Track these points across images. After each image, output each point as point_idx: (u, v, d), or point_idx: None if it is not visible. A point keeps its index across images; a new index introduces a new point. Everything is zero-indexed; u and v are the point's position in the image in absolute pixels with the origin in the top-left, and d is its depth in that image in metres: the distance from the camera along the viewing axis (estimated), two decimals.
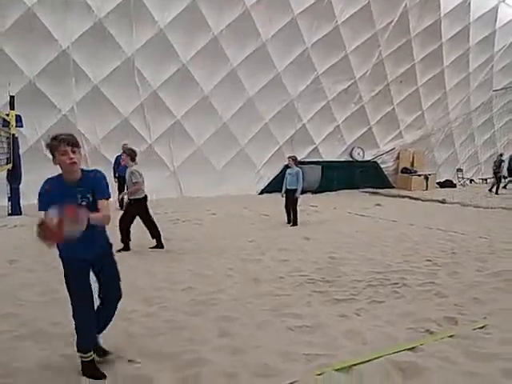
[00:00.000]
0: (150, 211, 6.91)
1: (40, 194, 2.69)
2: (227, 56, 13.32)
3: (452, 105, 19.05)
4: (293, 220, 9.01)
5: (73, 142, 2.69)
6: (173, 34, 12.32)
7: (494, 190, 16.38)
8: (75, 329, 2.91)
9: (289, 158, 9.42)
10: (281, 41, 13.84)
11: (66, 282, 2.88)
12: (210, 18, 12.63)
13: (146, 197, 6.74)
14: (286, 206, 9.16)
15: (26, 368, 2.96)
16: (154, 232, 6.84)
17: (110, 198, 2.84)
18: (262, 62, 13.87)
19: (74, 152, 2.67)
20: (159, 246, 6.84)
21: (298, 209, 9.16)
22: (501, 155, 17.47)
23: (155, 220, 6.92)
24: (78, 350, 2.92)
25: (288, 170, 9.27)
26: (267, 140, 15.06)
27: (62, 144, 2.64)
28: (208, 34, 12.80)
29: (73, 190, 2.72)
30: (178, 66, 12.75)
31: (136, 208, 6.67)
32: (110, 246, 3.07)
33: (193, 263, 5.86)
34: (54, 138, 2.67)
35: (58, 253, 2.85)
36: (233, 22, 12.91)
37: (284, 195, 9.15)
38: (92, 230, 2.61)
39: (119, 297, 3.11)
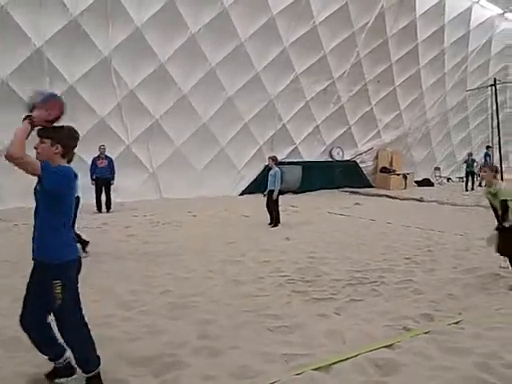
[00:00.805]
0: None
1: None
2: (205, 55, 13.25)
3: (428, 104, 19.43)
4: (274, 220, 9.01)
5: (40, 134, 2.65)
6: (150, 33, 12.17)
7: (469, 187, 16.86)
8: (81, 348, 2.72)
9: (269, 158, 9.51)
10: (259, 40, 13.84)
11: (63, 293, 2.59)
12: (187, 17, 12.54)
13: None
14: (268, 206, 9.18)
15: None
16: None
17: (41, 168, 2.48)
18: (241, 62, 13.85)
19: (42, 142, 2.62)
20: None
21: (280, 209, 9.18)
22: (470, 154, 18.05)
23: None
24: (91, 370, 2.71)
25: (270, 171, 9.30)
26: (247, 140, 15.04)
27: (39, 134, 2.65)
28: (186, 33, 12.70)
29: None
30: (155, 65, 12.61)
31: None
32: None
33: (172, 266, 5.80)
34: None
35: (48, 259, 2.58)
36: (211, 21, 12.85)
37: (265, 195, 9.19)
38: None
39: None
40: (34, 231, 2.67)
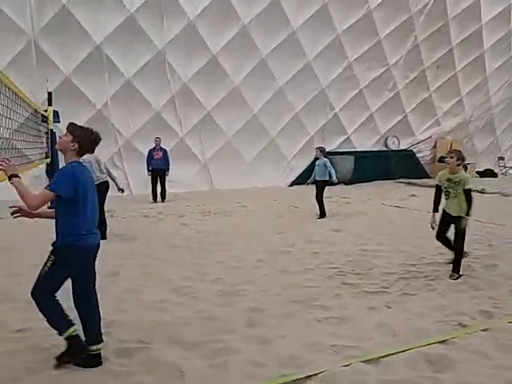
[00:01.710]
0: None
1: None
2: (257, 46, 13.26)
3: (493, 90, 18.17)
4: (320, 212, 8.88)
5: (67, 127, 3.00)
6: (202, 26, 12.39)
7: None
8: (93, 320, 2.97)
9: (316, 148, 9.43)
10: (311, 28, 13.64)
11: (85, 272, 2.93)
12: (239, 8, 12.61)
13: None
14: (317, 197, 9.09)
15: None
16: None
17: (51, 190, 2.78)
18: (292, 51, 13.72)
19: (65, 135, 2.97)
20: None
21: (324, 200, 9.03)
22: None
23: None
24: (98, 342, 2.95)
25: (316, 162, 9.21)
26: (298, 131, 14.92)
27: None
28: (237, 25, 12.79)
29: None
30: (207, 57, 12.82)
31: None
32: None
33: (223, 255, 5.93)
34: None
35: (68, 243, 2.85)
36: (262, 12, 12.83)
37: (310, 184, 9.12)
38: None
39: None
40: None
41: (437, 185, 5.09)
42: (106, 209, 6.94)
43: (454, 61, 16.72)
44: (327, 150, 15.50)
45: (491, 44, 16.98)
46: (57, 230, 2.90)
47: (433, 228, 5.05)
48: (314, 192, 9.08)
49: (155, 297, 4.26)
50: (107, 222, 6.90)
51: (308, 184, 9.25)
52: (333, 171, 8.95)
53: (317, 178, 9.01)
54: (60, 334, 2.90)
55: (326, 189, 9.05)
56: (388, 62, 15.55)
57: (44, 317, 2.90)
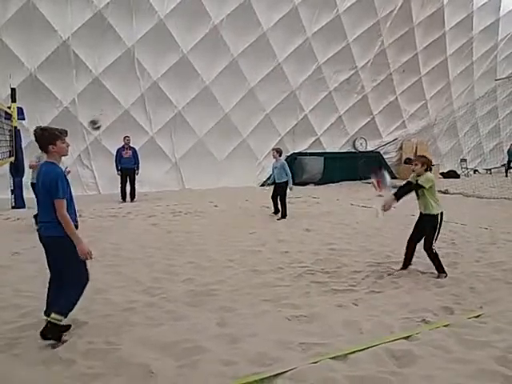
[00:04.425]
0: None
1: (62, 180, 3.20)
2: (228, 46, 13.27)
3: (456, 94, 18.92)
4: (281, 213, 8.88)
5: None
6: (173, 24, 12.29)
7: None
8: (73, 296, 3.29)
9: (273, 150, 9.24)
10: (281, 30, 13.78)
11: (70, 259, 3.22)
12: (210, 8, 12.57)
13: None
14: (273, 197, 9.08)
15: None
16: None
17: (63, 198, 3.23)
18: (263, 52, 13.83)
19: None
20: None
21: (287, 201, 9.02)
22: None
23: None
24: (64, 313, 3.23)
25: (273, 163, 9.11)
26: (269, 131, 15.05)
27: (64, 134, 3.32)
28: (208, 24, 12.76)
29: None
30: (178, 56, 12.73)
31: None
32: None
33: (193, 255, 5.91)
34: (56, 129, 3.32)
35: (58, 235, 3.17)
36: (233, 12, 12.86)
37: (269, 185, 9.10)
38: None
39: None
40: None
41: (407, 181, 5.13)
42: None
43: (418, 65, 17.30)
44: (298, 150, 15.82)
45: (454, 50, 17.67)
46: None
47: (385, 207, 4.89)
48: (272, 193, 9.08)
49: (124, 298, 4.21)
50: None
51: (267, 186, 9.17)
52: (290, 175, 8.87)
53: (276, 181, 8.95)
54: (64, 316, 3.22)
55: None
56: (356, 65, 15.91)
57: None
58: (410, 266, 5.15)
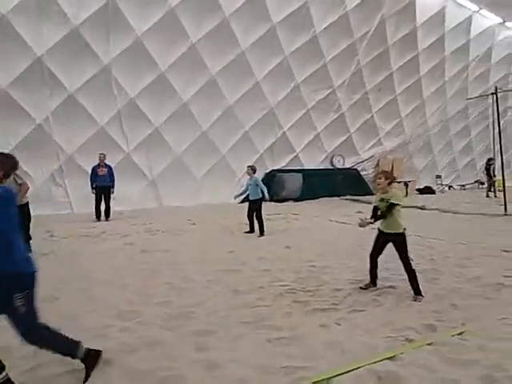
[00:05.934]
0: None
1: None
2: (206, 64, 13.30)
3: (429, 112, 19.46)
4: (259, 230, 8.84)
5: None
6: (150, 42, 12.25)
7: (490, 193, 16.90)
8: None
9: (248, 167, 9.19)
10: (260, 49, 13.92)
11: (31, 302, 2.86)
12: (188, 26, 12.61)
13: None
14: (249, 215, 9.04)
15: None
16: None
17: None
18: (242, 71, 13.91)
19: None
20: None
21: (264, 217, 9.00)
22: (490, 159, 17.91)
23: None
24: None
25: (247, 181, 9.12)
26: (248, 148, 15.05)
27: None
28: (186, 42, 12.78)
29: None
30: (155, 74, 12.66)
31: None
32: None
33: (170, 275, 5.72)
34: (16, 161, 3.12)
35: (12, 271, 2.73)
36: (211, 31, 12.92)
37: (239, 199, 9.06)
38: None
39: None
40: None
41: (374, 206, 5.12)
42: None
43: (394, 85, 17.75)
44: (277, 167, 15.85)
45: (427, 70, 18.23)
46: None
47: (361, 225, 4.96)
48: (247, 211, 9.04)
49: (97, 323, 3.99)
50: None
51: (237, 197, 9.06)
52: (265, 189, 8.88)
53: (251, 198, 8.94)
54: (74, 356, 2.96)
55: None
56: (333, 84, 16.18)
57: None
58: (378, 282, 5.14)
